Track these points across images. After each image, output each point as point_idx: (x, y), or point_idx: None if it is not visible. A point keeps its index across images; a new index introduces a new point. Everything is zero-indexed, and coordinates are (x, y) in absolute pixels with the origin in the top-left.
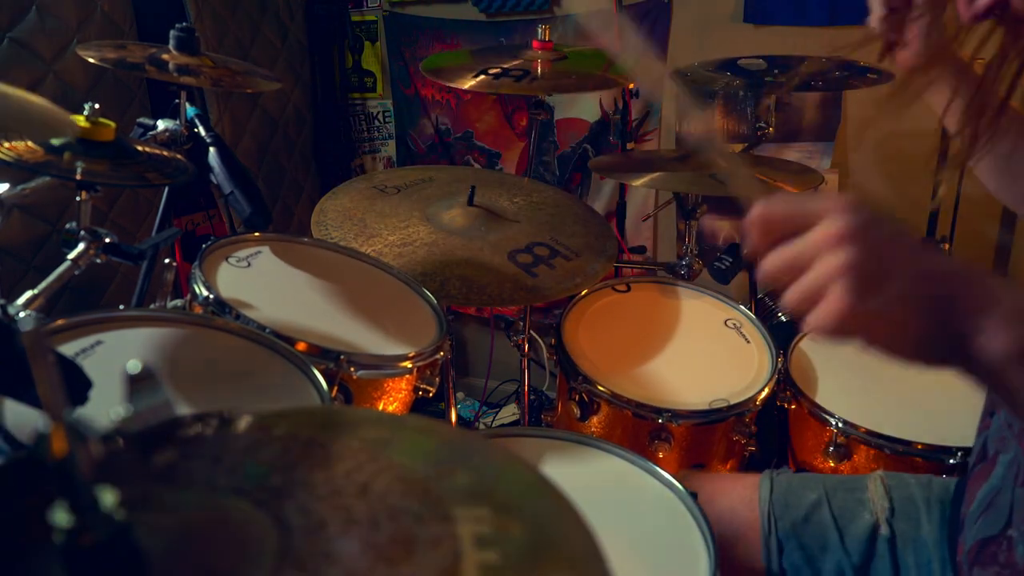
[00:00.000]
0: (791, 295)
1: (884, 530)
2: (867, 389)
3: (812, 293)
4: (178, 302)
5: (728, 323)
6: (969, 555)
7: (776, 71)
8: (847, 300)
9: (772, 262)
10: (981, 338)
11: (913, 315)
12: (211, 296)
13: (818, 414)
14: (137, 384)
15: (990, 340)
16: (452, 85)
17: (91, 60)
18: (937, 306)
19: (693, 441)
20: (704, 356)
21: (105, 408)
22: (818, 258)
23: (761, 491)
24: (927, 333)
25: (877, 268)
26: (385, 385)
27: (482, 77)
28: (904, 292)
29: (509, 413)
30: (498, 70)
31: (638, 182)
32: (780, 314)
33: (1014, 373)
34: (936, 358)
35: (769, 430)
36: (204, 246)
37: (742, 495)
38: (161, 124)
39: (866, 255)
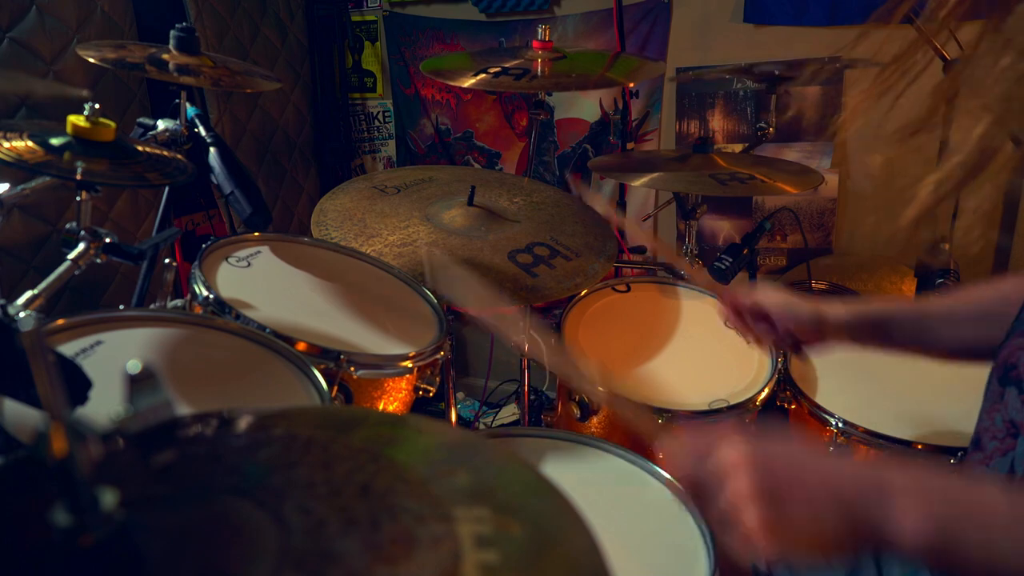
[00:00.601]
0: (715, 527)
1: None
2: (867, 389)
3: (728, 520)
4: (178, 302)
5: (728, 323)
6: None
7: (776, 71)
8: (757, 522)
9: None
10: (891, 528)
11: (823, 522)
12: (211, 296)
13: (818, 414)
14: (137, 384)
15: (899, 531)
16: (452, 84)
17: (91, 60)
18: (842, 511)
19: None
20: (704, 356)
21: (105, 408)
22: (721, 487)
23: None
24: (841, 535)
25: (774, 486)
26: (385, 385)
27: (482, 76)
28: (807, 504)
29: (509, 413)
30: (498, 69)
31: (638, 182)
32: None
33: (928, 556)
34: (860, 551)
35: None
36: (204, 246)
37: None
38: (161, 124)
39: (761, 477)
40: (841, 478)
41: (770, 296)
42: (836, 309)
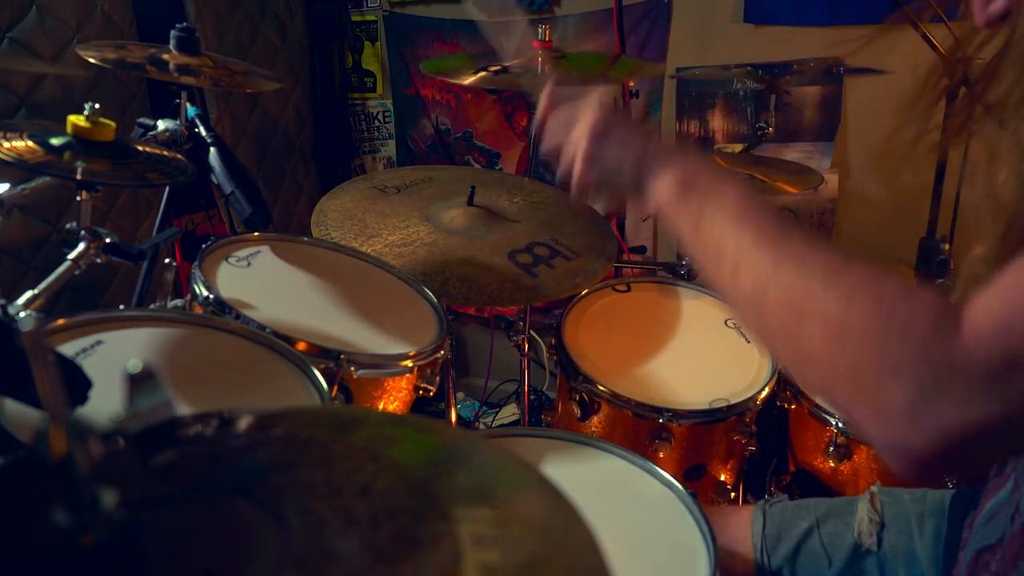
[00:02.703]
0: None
1: (871, 545)
2: None
3: (567, 163)
4: (178, 302)
5: (728, 323)
6: (969, 565)
7: (767, 76)
8: (583, 152)
9: (547, 141)
10: (651, 183)
11: (621, 161)
12: (211, 296)
13: (818, 414)
14: (137, 384)
15: (655, 186)
16: (453, 81)
17: (91, 60)
18: (635, 158)
19: (693, 441)
20: (704, 356)
21: (105, 408)
22: (572, 126)
23: (754, 525)
24: (624, 173)
25: (607, 128)
26: (385, 384)
27: (482, 73)
28: (620, 146)
29: (509, 413)
30: (498, 67)
31: None
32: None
33: (670, 214)
34: (630, 191)
35: (769, 430)
36: (204, 246)
37: (735, 532)
38: (161, 124)
39: (602, 119)
40: (653, 143)
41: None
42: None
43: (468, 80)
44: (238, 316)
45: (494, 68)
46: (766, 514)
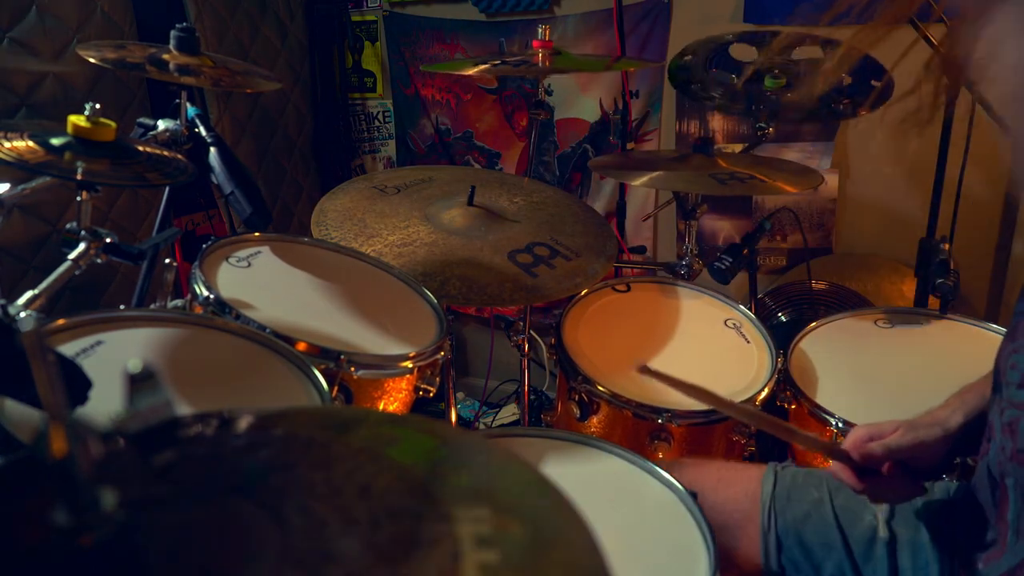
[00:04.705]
0: None
1: (883, 532)
2: (867, 389)
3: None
4: (178, 302)
5: (728, 323)
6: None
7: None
8: None
9: None
10: None
11: None
12: (211, 296)
13: (818, 414)
14: (137, 384)
15: None
16: (457, 73)
17: (91, 60)
18: None
19: (693, 441)
20: (704, 356)
21: (105, 408)
22: None
23: (764, 484)
24: None
25: None
26: (385, 385)
27: (483, 66)
28: None
29: (509, 413)
30: (499, 62)
31: (638, 182)
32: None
33: None
34: None
35: None
36: (204, 246)
37: (745, 487)
38: (161, 124)
39: None
40: None
41: (897, 440)
42: (953, 416)
43: (471, 71)
44: (238, 316)
45: (496, 62)
46: (777, 475)
